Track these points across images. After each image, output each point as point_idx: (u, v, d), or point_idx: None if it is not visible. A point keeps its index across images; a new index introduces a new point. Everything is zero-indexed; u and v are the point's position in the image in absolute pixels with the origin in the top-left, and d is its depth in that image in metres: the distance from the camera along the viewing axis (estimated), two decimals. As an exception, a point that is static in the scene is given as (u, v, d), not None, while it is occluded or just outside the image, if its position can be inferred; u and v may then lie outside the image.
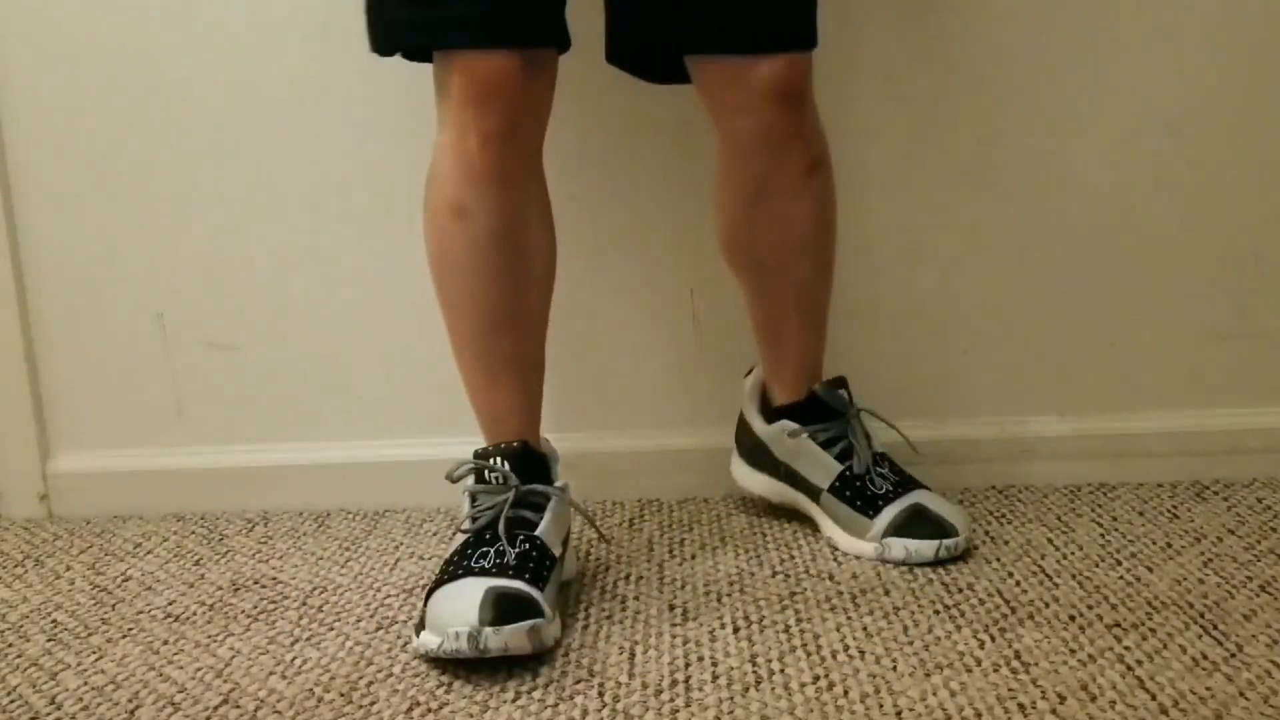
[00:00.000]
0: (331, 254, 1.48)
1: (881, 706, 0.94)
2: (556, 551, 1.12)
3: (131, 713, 0.99)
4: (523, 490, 1.13)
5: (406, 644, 1.09)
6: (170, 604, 1.22)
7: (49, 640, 1.15)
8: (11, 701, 1.02)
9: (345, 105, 1.45)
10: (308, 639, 1.12)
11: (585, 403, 1.47)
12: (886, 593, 1.15)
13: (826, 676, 0.99)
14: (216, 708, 0.99)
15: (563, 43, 1.18)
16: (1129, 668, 0.98)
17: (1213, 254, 1.43)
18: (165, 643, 1.13)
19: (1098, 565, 1.19)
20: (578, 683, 1.00)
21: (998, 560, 1.22)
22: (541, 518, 1.12)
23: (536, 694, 0.98)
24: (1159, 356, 1.45)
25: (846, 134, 1.42)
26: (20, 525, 1.50)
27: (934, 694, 0.95)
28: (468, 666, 1.03)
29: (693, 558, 1.27)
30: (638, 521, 1.39)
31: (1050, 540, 1.27)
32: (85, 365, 1.52)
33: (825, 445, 1.29)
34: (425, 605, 1.07)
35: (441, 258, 1.20)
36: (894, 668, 1.00)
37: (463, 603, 1.03)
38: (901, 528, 1.22)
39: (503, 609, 1.01)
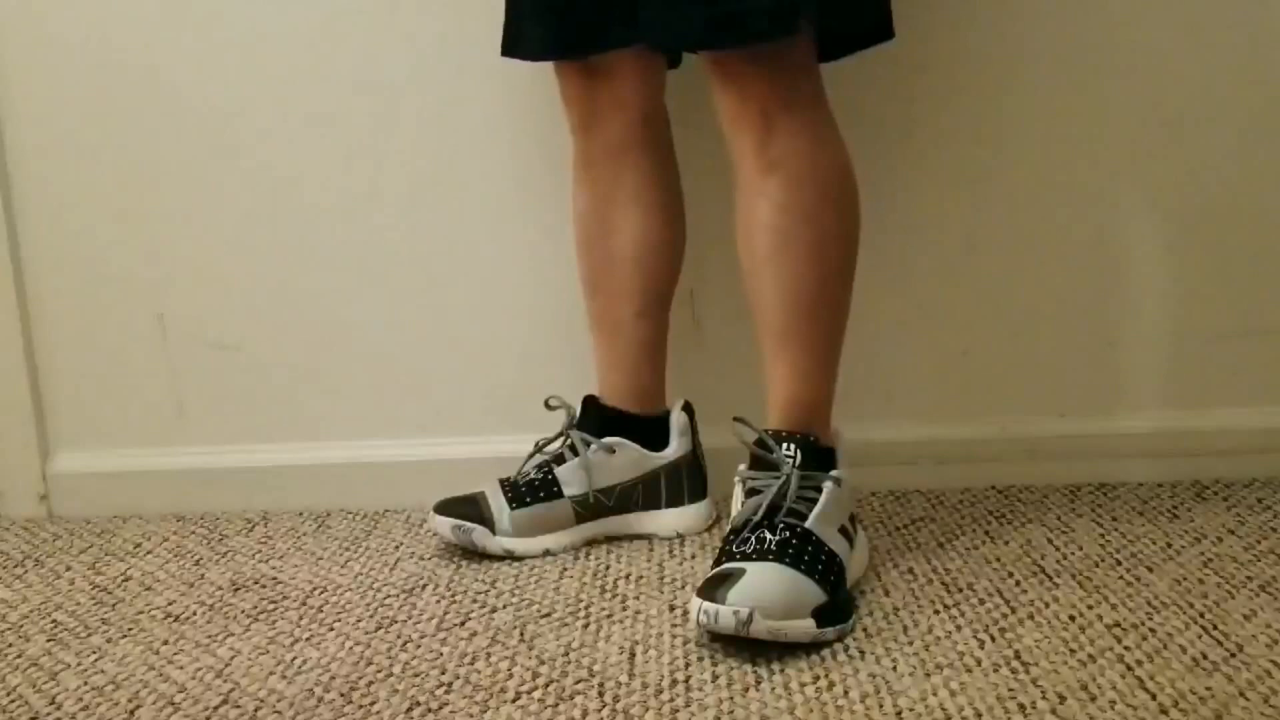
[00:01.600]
0: (332, 254, 1.48)
1: (881, 706, 0.94)
2: (568, 491, 1.30)
3: (131, 713, 0.99)
4: (570, 435, 1.32)
5: (406, 644, 1.09)
6: (170, 604, 1.22)
7: (49, 640, 1.15)
8: (11, 701, 1.02)
9: (345, 105, 1.45)
10: (308, 639, 1.12)
11: (585, 403, 1.47)
12: (886, 593, 1.15)
13: (826, 676, 0.99)
14: (216, 708, 0.99)
15: (630, 43, 1.23)
16: (1129, 668, 0.98)
17: (1213, 254, 1.43)
18: (165, 643, 1.13)
19: (1098, 565, 1.19)
20: (578, 683, 1.00)
21: (998, 560, 1.22)
22: (568, 461, 1.31)
23: (536, 694, 0.98)
24: (1159, 356, 1.45)
25: (846, 131, 1.42)
26: (20, 525, 1.50)
27: (934, 694, 0.95)
28: (467, 664, 1.03)
29: (693, 558, 1.27)
30: (638, 521, 1.39)
31: (1050, 540, 1.27)
32: (85, 365, 1.52)
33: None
34: None
35: None
36: (894, 668, 1.00)
37: (455, 498, 1.31)
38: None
39: (456, 505, 1.29)
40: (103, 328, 1.51)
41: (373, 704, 0.98)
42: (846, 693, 0.96)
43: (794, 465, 1.13)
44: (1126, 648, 1.01)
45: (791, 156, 1.14)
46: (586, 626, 1.11)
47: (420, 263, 1.47)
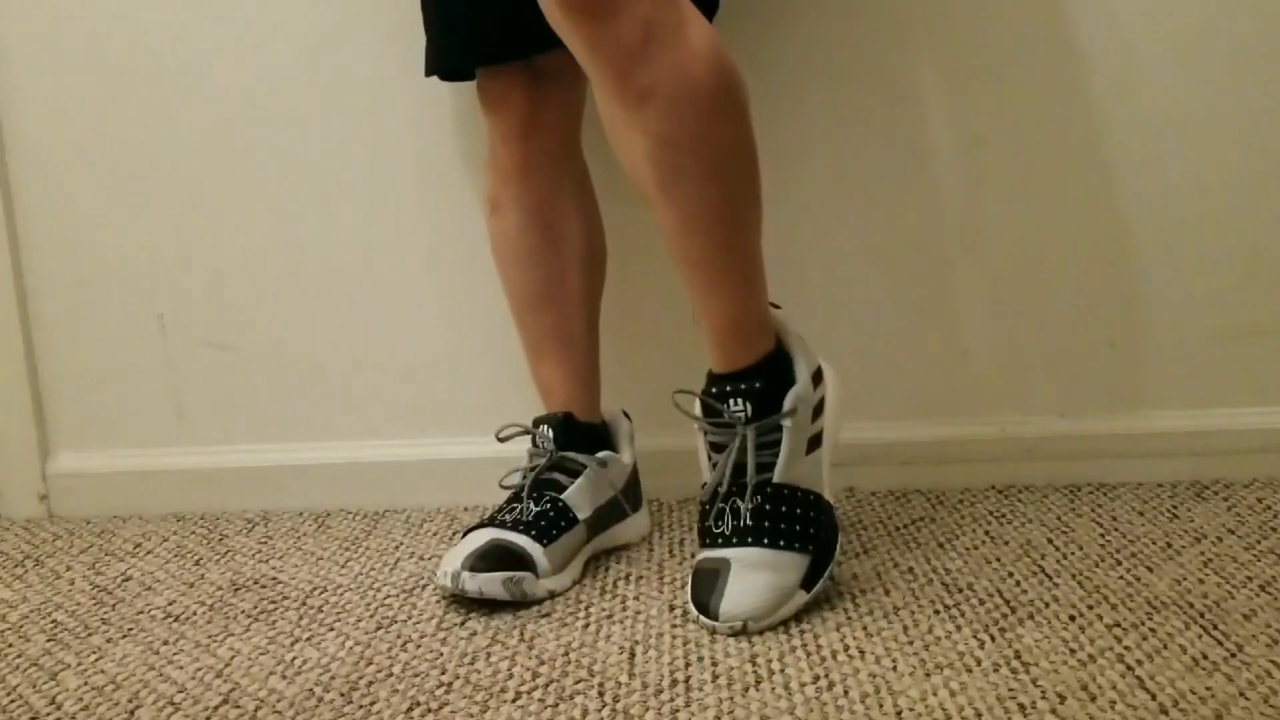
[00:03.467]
0: (332, 254, 1.48)
1: (881, 706, 0.94)
2: (581, 515, 1.23)
3: (131, 713, 0.99)
4: (558, 456, 1.25)
5: (406, 644, 1.09)
6: (170, 604, 1.22)
7: (49, 640, 1.15)
8: (11, 701, 1.02)
9: (346, 106, 1.45)
10: (308, 639, 1.12)
11: (585, 403, 1.47)
12: (886, 593, 1.15)
13: (826, 676, 0.99)
14: (216, 708, 0.99)
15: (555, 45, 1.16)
16: (1129, 668, 0.98)
17: (1213, 254, 1.43)
18: (165, 643, 1.13)
19: (1098, 565, 1.19)
20: (578, 683, 1.00)
21: (998, 560, 1.22)
22: (573, 482, 1.24)
23: (536, 694, 0.98)
24: (1159, 356, 1.45)
25: (848, 131, 1.42)
26: (20, 525, 1.50)
27: (934, 694, 0.95)
28: (467, 664, 1.03)
29: (693, 557, 1.27)
30: (638, 521, 1.39)
31: (1050, 540, 1.27)
32: (85, 365, 1.52)
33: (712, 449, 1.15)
34: None
35: (490, 246, 1.32)
36: (894, 668, 1.00)
37: (464, 548, 1.17)
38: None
39: (488, 558, 1.15)
40: (103, 328, 1.51)
41: (373, 704, 0.98)
42: (846, 693, 0.96)
43: (745, 420, 1.11)
44: (1126, 648, 1.01)
45: (668, 80, 1.01)
46: (586, 626, 1.11)
47: (421, 263, 1.47)
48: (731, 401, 1.11)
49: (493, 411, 1.48)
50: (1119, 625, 1.06)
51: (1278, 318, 1.44)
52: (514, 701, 0.97)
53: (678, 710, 0.95)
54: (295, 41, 1.44)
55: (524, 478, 1.25)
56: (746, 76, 1.37)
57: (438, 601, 1.19)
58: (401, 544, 1.36)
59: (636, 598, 1.17)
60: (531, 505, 1.22)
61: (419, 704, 0.98)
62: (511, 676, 1.02)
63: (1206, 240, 1.43)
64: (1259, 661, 0.98)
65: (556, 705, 0.96)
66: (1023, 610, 1.10)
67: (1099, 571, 1.18)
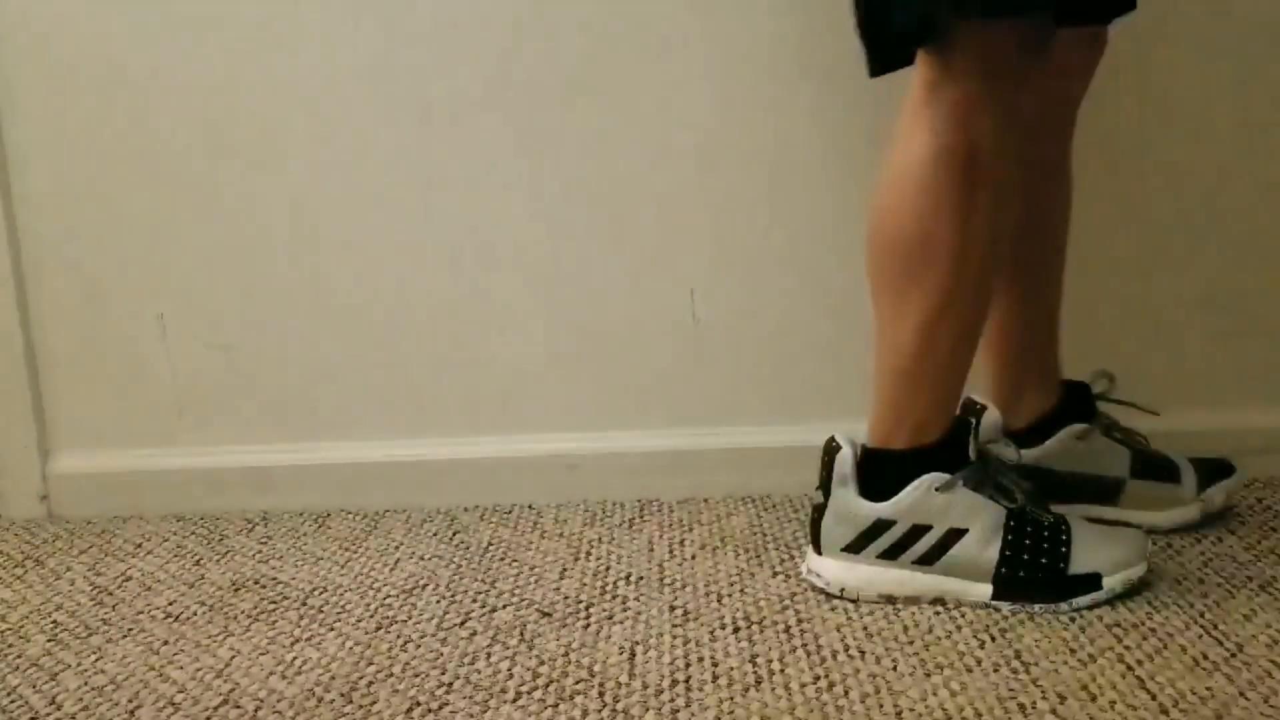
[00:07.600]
0: (331, 254, 1.48)
1: (881, 706, 0.94)
2: None
3: (131, 713, 0.99)
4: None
5: (406, 644, 1.09)
6: (170, 604, 1.22)
7: (49, 640, 1.15)
8: (11, 701, 1.02)
9: (344, 105, 1.45)
10: (308, 639, 1.12)
11: (585, 402, 1.47)
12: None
13: (826, 676, 0.99)
14: (216, 708, 0.99)
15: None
16: (1129, 668, 0.98)
17: (1214, 254, 1.43)
18: (165, 643, 1.13)
19: (1098, 565, 1.20)
20: (578, 683, 1.00)
21: (998, 560, 1.22)
22: None
23: (536, 694, 0.98)
24: (1159, 356, 1.45)
25: (851, 132, 1.42)
26: (20, 525, 1.50)
27: (934, 694, 0.95)
28: (467, 664, 1.03)
29: (693, 558, 1.27)
30: (638, 521, 1.39)
31: (1050, 540, 1.27)
32: (85, 365, 1.52)
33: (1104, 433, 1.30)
34: None
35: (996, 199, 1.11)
36: (894, 668, 1.00)
37: None
38: (1210, 478, 1.29)
39: None
40: (103, 328, 1.51)
41: (373, 704, 0.98)
42: (846, 693, 0.96)
43: None
44: (1126, 647, 1.01)
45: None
46: (586, 626, 1.11)
47: (421, 263, 1.47)
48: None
49: (493, 411, 1.48)
50: (1119, 625, 1.06)
51: (1277, 318, 1.44)
52: (514, 701, 0.97)
53: (678, 710, 0.95)
54: (295, 40, 1.44)
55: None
56: (740, 76, 1.37)
57: (438, 601, 1.19)
58: (401, 544, 1.36)
59: (636, 598, 1.17)
60: None
61: (419, 704, 0.98)
62: (511, 676, 1.02)
63: (1207, 240, 1.43)
64: (1259, 661, 0.98)
65: (556, 705, 0.96)
66: (1023, 610, 1.10)
67: (1099, 571, 1.18)
